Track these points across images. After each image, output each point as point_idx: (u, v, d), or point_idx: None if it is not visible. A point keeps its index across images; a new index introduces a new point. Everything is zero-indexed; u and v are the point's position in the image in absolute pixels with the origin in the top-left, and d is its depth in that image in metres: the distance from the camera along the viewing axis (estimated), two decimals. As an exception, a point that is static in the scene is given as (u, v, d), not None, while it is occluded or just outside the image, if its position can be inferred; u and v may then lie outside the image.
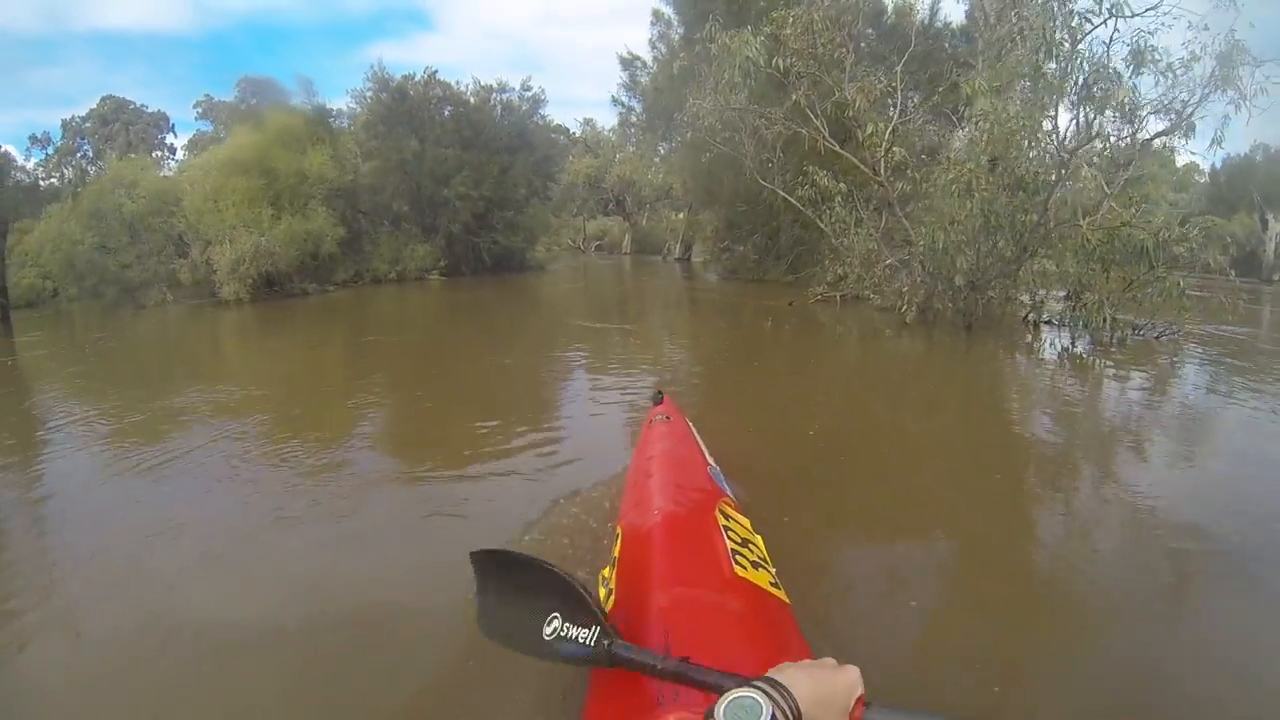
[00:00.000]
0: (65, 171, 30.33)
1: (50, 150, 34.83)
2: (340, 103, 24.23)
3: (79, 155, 34.89)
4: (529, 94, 24.17)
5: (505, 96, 23.79)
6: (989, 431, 5.48)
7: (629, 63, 25.56)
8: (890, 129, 10.63)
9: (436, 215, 21.53)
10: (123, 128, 37.11)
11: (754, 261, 18.33)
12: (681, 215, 37.16)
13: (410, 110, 21.69)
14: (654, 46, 22.98)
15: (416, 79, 22.32)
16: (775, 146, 13.75)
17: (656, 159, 35.48)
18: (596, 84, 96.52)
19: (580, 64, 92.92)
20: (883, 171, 10.68)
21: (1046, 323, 9.83)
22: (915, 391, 7.00)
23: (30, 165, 28.49)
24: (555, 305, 16.41)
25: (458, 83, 23.21)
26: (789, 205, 14.83)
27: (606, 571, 2.13)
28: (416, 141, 21.08)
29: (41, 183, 25.72)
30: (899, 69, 10.72)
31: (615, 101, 27.55)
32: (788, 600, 1.98)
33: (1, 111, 62.78)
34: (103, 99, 37.89)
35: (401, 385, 7.59)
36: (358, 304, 16.97)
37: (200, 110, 39.00)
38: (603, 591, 2.04)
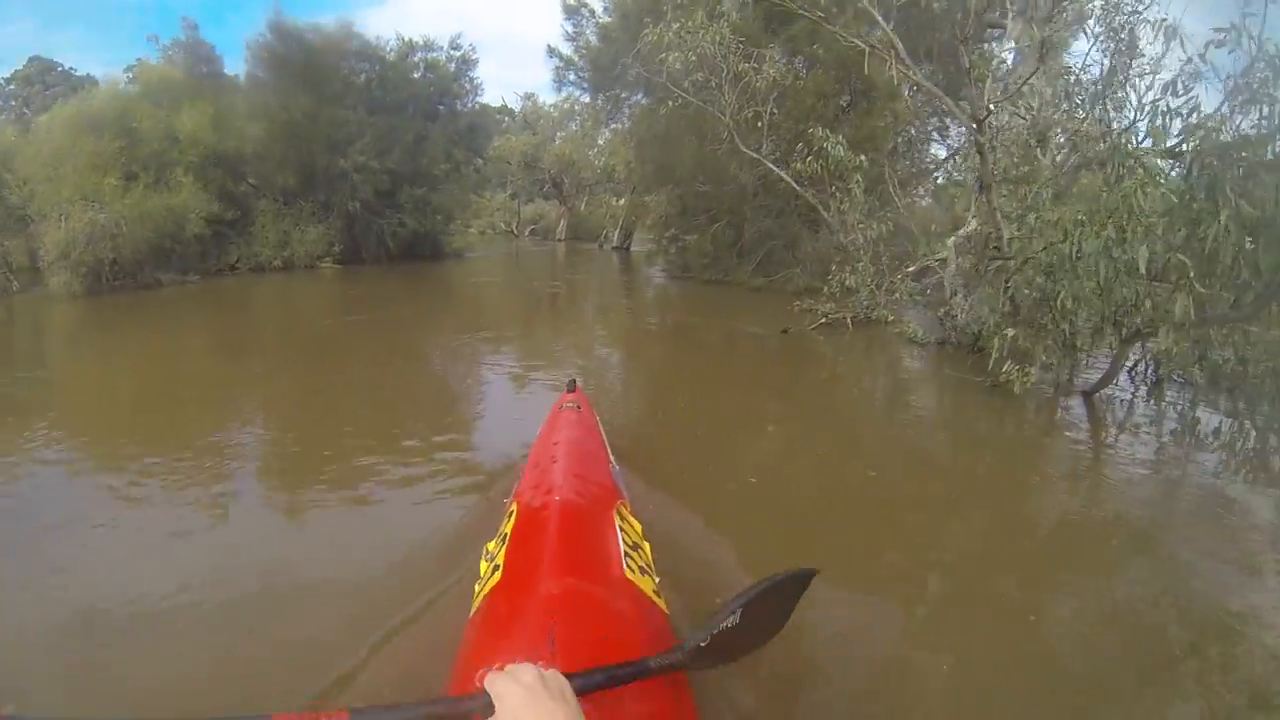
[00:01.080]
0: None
1: (-32, 111, 31.77)
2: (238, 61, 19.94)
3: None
4: (457, 53, 20.42)
5: (429, 55, 19.97)
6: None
7: (574, 10, 21.64)
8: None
9: (332, 191, 17.54)
10: (43, 89, 34.01)
11: (710, 258, 14.90)
12: (622, 201, 34.66)
13: (308, 63, 17.56)
14: (605, -9, 19.26)
15: (326, 29, 18.29)
16: (768, 99, 10.35)
17: (600, 141, 32.70)
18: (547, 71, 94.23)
19: (533, 53, 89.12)
20: (987, 126, 7.11)
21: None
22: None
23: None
24: (443, 313, 12.58)
25: (378, 38, 19.37)
26: (768, 187, 11.58)
27: (493, 545, 2.16)
28: (308, 99, 17.01)
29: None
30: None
31: (552, 53, 23.14)
32: (667, 611, 1.99)
33: (-69, 69, 58.01)
34: (29, 60, 36.30)
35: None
36: (213, 301, 13.27)
37: (132, 75, 34.54)
38: (485, 566, 2.08)
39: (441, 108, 19.74)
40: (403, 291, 14.58)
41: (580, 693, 0.96)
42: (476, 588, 2.02)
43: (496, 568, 1.94)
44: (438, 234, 19.95)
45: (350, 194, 17.34)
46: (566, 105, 35.91)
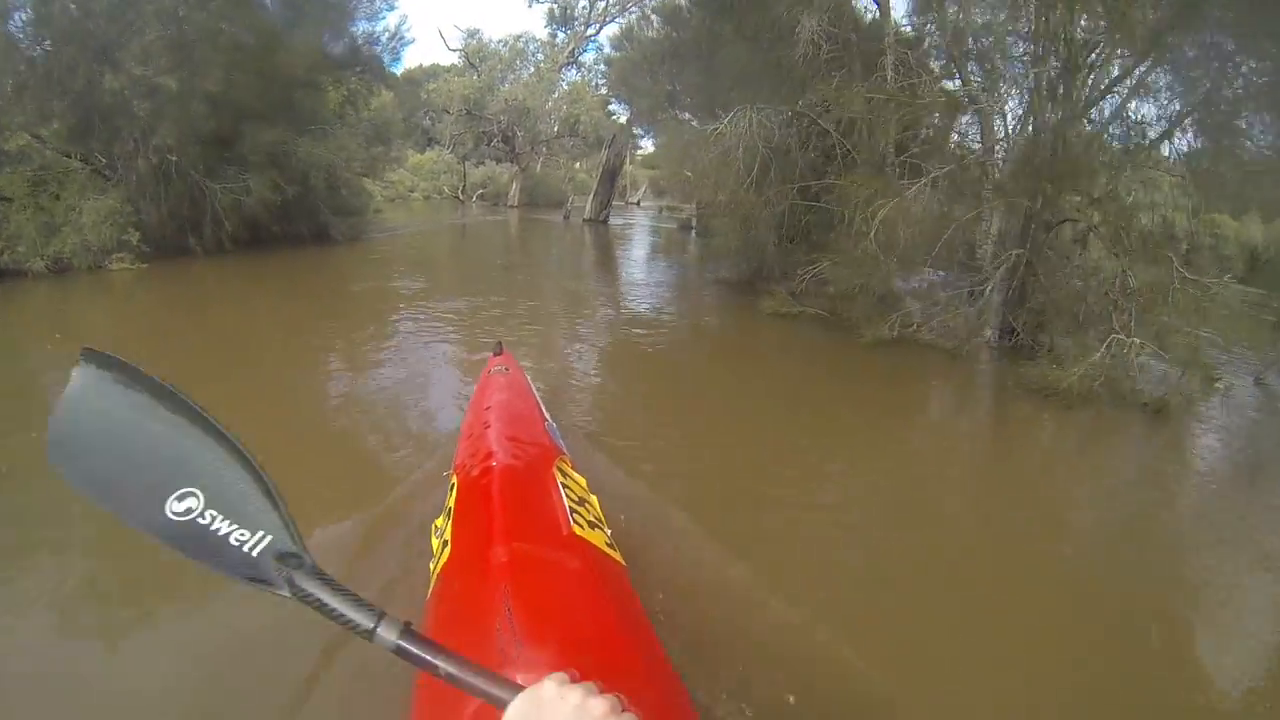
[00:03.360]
0: None
1: None
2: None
3: None
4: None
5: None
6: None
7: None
8: None
9: (114, 136, 10.13)
10: None
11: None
12: (579, 165, 29.32)
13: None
14: None
15: None
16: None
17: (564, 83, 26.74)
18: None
19: None
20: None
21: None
22: None
23: None
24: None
25: None
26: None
27: (440, 521, 2.12)
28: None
29: None
30: None
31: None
32: (623, 562, 1.98)
33: None
34: None
35: None
36: None
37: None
38: (436, 542, 2.05)
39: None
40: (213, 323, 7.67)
41: None
42: (431, 566, 1.99)
43: (445, 544, 1.91)
44: (317, 204, 12.41)
45: (140, 140, 9.98)
46: (519, 45, 29.41)
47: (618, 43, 21.55)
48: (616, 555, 1.95)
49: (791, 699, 2.21)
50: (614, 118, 25.38)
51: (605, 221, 22.40)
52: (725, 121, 7.68)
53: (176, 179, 10.37)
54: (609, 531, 2.09)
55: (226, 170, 10.86)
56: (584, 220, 22.43)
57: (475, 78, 28.84)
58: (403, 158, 25.53)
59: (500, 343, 3.95)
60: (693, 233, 20.77)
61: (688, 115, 13.96)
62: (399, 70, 15.88)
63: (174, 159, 10.30)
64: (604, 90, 26.99)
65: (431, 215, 24.31)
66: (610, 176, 22.40)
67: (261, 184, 10.62)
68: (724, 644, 2.31)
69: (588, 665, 1.10)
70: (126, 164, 9.94)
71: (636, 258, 15.60)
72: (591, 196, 22.80)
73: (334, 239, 12.61)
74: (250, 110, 10.79)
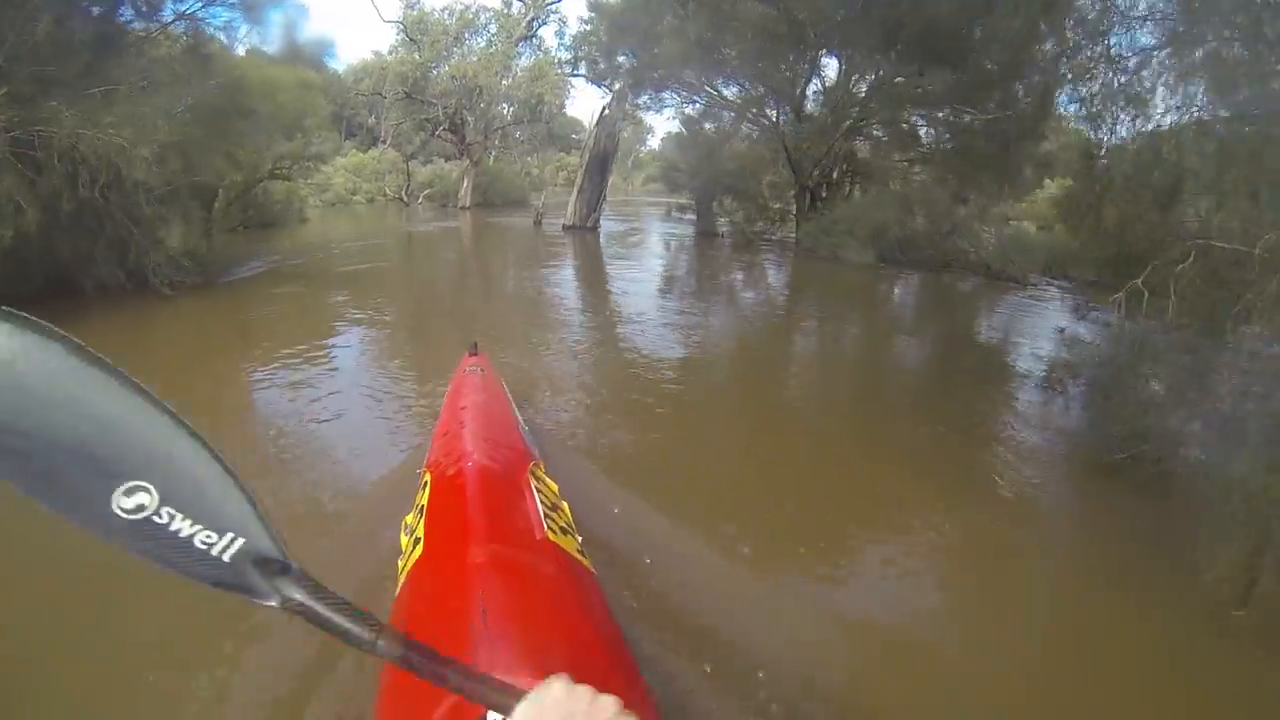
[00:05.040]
0: None
1: None
2: None
3: None
4: None
5: None
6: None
7: None
8: None
9: None
10: None
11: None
12: (534, 159, 24.90)
13: None
14: None
15: None
16: None
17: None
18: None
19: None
20: None
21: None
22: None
23: None
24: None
25: None
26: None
27: (411, 519, 2.05)
28: None
29: None
30: None
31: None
32: (593, 569, 1.93)
33: None
34: None
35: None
36: None
37: None
38: (406, 539, 1.96)
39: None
40: None
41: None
42: (400, 564, 1.92)
43: (417, 541, 1.85)
44: (126, 228, 6.74)
45: None
46: (467, 14, 24.26)
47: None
48: (587, 562, 1.89)
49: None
50: (608, 84, 18.94)
51: (594, 229, 16.93)
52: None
53: None
54: (579, 539, 2.01)
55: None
56: (564, 227, 16.94)
57: (416, 55, 23.62)
58: (324, 154, 20.33)
59: (475, 343, 3.74)
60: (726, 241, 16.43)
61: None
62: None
63: None
64: (574, 54, 21.66)
65: (373, 223, 19.47)
66: (600, 165, 16.65)
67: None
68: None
69: (559, 668, 1.00)
70: None
71: (721, 318, 8.69)
72: (575, 194, 16.98)
73: (157, 289, 7.26)
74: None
